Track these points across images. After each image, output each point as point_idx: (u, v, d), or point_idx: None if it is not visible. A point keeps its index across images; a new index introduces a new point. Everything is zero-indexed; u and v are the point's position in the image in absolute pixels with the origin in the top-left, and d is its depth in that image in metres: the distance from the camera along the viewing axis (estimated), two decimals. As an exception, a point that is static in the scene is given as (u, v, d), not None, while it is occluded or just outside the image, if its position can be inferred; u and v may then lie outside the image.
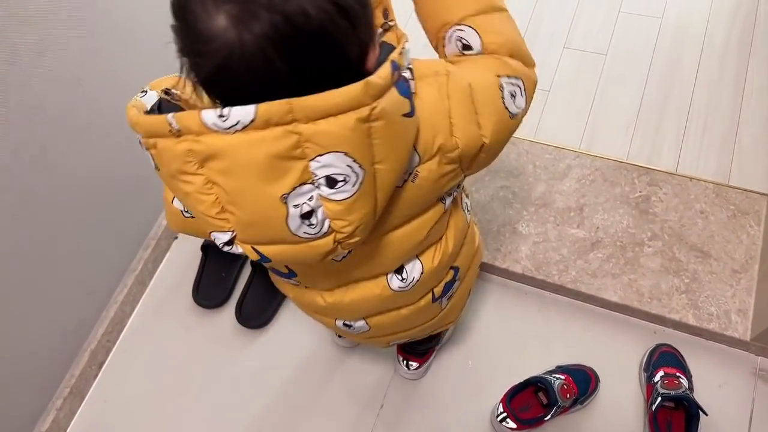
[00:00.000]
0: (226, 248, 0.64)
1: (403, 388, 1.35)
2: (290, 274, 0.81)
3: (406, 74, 0.60)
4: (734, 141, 1.55)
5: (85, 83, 1.17)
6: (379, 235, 0.73)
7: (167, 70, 0.64)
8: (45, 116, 1.11)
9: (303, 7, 0.50)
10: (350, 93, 0.52)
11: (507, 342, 1.38)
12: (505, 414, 1.22)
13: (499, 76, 0.70)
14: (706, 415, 1.16)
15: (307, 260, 0.64)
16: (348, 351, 1.41)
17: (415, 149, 0.64)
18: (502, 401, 1.24)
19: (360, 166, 0.56)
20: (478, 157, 0.70)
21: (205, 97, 0.59)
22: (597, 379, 1.28)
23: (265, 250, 0.63)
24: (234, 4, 0.49)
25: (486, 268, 1.44)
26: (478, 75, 0.69)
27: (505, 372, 1.31)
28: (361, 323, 0.91)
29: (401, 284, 0.82)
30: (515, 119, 0.72)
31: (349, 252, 0.73)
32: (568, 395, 1.20)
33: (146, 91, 0.64)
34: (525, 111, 0.74)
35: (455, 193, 0.79)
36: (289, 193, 0.56)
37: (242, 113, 0.51)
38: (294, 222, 0.59)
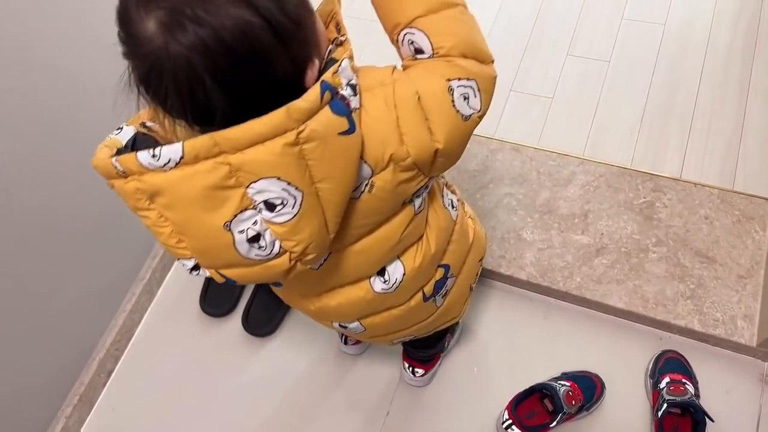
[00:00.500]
0: (194, 273, 0.67)
1: (408, 394, 1.36)
2: (276, 283, 0.83)
3: (346, 91, 0.60)
4: (738, 146, 1.55)
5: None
6: (348, 244, 0.75)
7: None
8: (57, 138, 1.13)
9: (229, 21, 0.51)
10: (272, 120, 0.54)
11: (512, 349, 1.38)
12: (510, 421, 1.22)
13: (449, 80, 0.69)
14: (713, 421, 1.15)
15: (270, 279, 0.66)
16: (354, 358, 1.41)
17: (365, 161, 0.64)
18: (507, 408, 1.24)
19: (296, 188, 0.58)
20: (435, 161, 0.70)
21: (179, 128, 0.61)
22: (603, 386, 1.28)
23: (227, 273, 0.65)
24: (164, 11, 0.51)
25: (491, 275, 1.45)
26: (427, 81, 0.68)
27: (511, 379, 1.31)
28: (355, 324, 0.92)
29: (384, 286, 0.83)
30: (470, 121, 0.71)
31: (325, 260, 0.75)
32: (573, 402, 1.20)
33: (121, 128, 0.66)
34: (483, 110, 0.73)
35: (423, 194, 0.79)
36: (231, 221, 0.59)
37: (171, 151, 0.54)
38: (242, 246, 0.61)
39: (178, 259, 0.66)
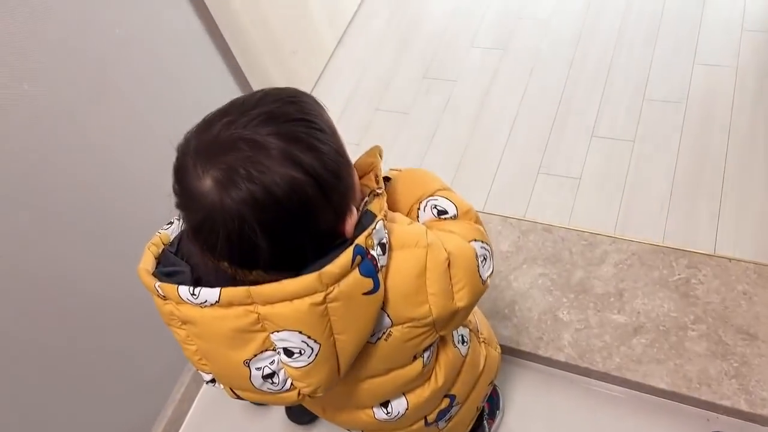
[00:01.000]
0: (210, 385, 0.73)
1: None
2: None
3: (376, 251, 0.64)
4: (771, 219, 1.56)
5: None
6: (356, 380, 0.78)
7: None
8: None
9: (279, 179, 0.56)
10: (304, 283, 0.59)
11: (555, 432, 1.37)
12: None
13: (474, 240, 0.76)
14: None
15: (279, 404, 0.72)
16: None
17: (387, 313, 0.69)
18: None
19: (315, 341, 0.62)
20: (452, 320, 0.74)
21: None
22: (651, 471, 1.25)
23: (241, 394, 0.71)
24: (221, 171, 0.56)
25: (529, 357, 1.46)
26: (457, 242, 0.74)
27: (555, 464, 1.30)
28: None
29: (386, 417, 0.86)
30: (485, 285, 0.77)
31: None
32: (621, 489, 1.18)
33: (172, 222, 0.73)
34: (491, 275, 0.79)
35: (433, 348, 0.82)
36: (251, 359, 0.64)
37: (209, 294, 0.60)
38: (257, 381, 0.66)
39: (198, 370, 0.72)
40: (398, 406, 0.85)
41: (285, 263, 0.60)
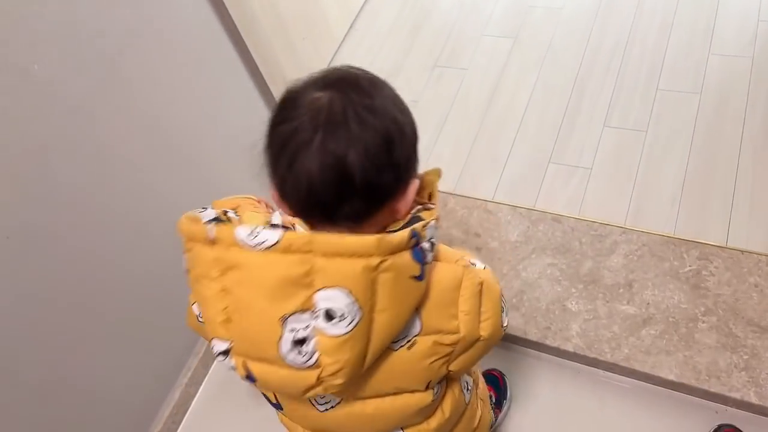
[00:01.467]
0: (221, 358, 0.68)
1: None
2: (278, 405, 0.86)
3: (425, 245, 0.65)
4: (785, 211, 1.55)
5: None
6: (364, 397, 0.76)
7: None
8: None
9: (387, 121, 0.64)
10: (365, 242, 0.59)
11: (562, 422, 1.37)
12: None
13: (500, 286, 0.78)
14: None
15: (289, 390, 0.68)
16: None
17: (419, 317, 0.68)
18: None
19: (360, 308, 0.61)
20: (470, 348, 0.74)
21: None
22: (658, 462, 1.25)
23: (254, 367, 0.67)
24: (339, 94, 0.62)
25: (537, 347, 1.45)
26: (491, 277, 0.77)
27: (562, 454, 1.30)
28: None
29: None
30: (503, 329, 0.79)
31: (331, 407, 0.77)
32: (627, 479, 1.18)
33: (206, 208, 0.72)
34: (505, 329, 0.81)
35: (442, 384, 0.82)
36: (289, 316, 0.61)
37: (269, 234, 0.59)
38: (286, 345, 0.62)
39: (212, 338, 0.67)
40: None
41: (340, 220, 0.64)
